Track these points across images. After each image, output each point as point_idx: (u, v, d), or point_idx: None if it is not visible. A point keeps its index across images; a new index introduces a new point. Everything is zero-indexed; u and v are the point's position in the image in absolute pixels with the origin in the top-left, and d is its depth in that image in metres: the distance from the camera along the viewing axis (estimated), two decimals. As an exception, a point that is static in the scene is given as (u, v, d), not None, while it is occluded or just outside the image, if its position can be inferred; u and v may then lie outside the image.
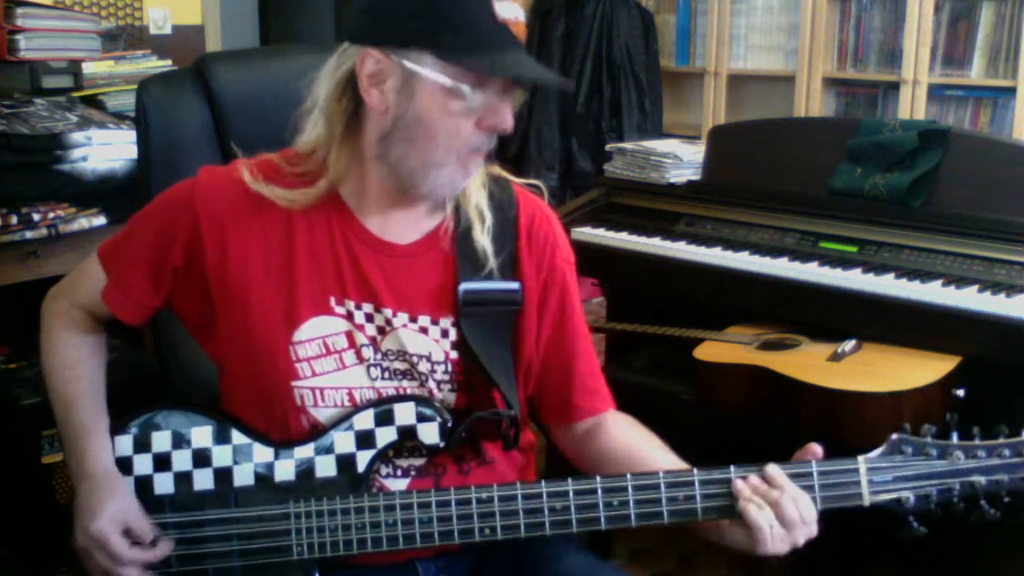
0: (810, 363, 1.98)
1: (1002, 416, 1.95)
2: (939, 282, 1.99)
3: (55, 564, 2.18)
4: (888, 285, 2.01)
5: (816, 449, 1.24)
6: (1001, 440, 1.19)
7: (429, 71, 1.16)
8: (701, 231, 2.40)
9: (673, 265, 2.32)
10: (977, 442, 1.20)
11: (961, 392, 1.91)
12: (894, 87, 3.78)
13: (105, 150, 2.50)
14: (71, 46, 2.76)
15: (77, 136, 2.45)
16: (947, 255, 2.06)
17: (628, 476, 1.22)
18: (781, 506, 1.17)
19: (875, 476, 1.20)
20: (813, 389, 1.89)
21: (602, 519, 1.22)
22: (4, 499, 2.25)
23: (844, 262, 2.12)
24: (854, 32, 3.94)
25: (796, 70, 4.03)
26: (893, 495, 1.19)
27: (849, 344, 2.03)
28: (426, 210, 1.31)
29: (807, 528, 1.19)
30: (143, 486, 1.30)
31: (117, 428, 1.33)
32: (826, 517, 1.22)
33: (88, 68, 2.80)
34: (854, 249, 2.17)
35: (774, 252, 2.22)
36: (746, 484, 1.20)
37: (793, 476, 1.20)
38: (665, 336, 2.30)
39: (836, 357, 1.99)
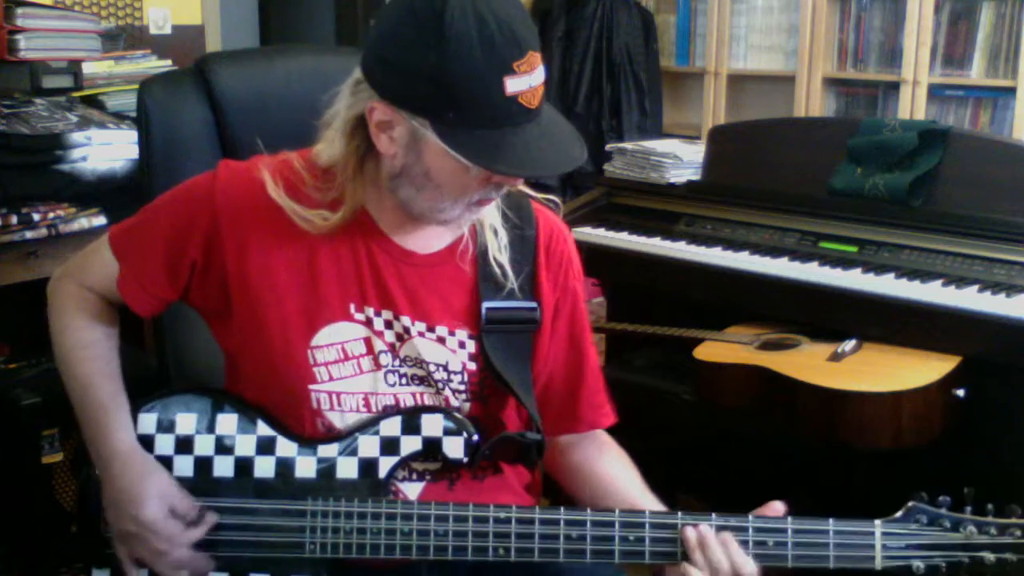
0: (810, 363, 1.98)
1: (1002, 416, 1.97)
2: (939, 282, 1.99)
3: (55, 564, 2.18)
4: (888, 285, 2.01)
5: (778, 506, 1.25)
6: (1013, 520, 1.20)
7: (434, 137, 1.14)
8: (701, 231, 2.40)
9: (673, 265, 2.32)
10: (990, 519, 1.21)
11: (961, 392, 1.91)
12: (894, 87, 3.77)
13: (105, 150, 2.50)
14: (71, 46, 2.75)
15: (77, 136, 2.45)
16: (947, 255, 2.06)
17: (647, 513, 1.24)
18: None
19: (889, 541, 1.21)
20: (813, 389, 1.89)
21: (616, 553, 1.23)
22: (4, 499, 2.25)
23: (844, 262, 2.12)
24: (854, 32, 3.94)
25: (796, 70, 4.03)
26: (904, 562, 1.20)
27: (849, 344, 2.03)
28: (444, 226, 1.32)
29: None
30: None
31: (140, 406, 1.32)
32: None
33: (88, 68, 2.80)
34: (854, 249, 2.17)
35: (774, 252, 2.22)
36: None
37: (809, 531, 1.21)
38: (665, 336, 2.30)
39: (836, 357, 1.99)
